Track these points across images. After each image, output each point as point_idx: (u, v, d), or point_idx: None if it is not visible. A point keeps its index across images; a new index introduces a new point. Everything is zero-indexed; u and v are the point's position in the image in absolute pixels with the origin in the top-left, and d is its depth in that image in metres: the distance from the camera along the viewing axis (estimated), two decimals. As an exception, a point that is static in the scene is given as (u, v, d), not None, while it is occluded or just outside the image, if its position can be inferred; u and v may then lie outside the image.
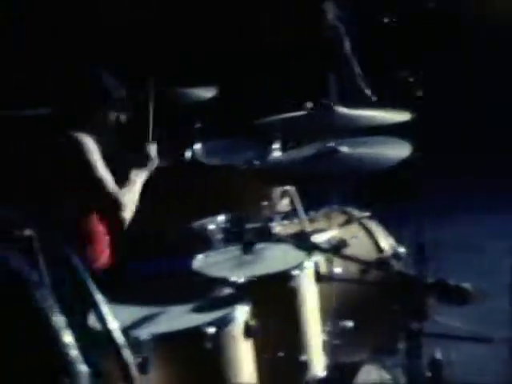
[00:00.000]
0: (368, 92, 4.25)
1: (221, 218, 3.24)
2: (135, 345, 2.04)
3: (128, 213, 2.91)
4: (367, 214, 3.35)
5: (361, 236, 3.22)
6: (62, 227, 2.28)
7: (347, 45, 4.21)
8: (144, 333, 2.13)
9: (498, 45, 5.40)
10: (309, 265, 2.69)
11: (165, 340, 2.13)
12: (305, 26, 4.02)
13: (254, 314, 2.36)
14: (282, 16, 4.05)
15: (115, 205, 2.86)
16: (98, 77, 2.91)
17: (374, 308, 3.09)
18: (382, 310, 3.10)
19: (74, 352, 1.65)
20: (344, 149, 2.69)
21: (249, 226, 3.21)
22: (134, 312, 2.28)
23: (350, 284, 3.07)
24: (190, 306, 2.30)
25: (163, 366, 2.12)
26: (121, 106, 2.99)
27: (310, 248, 2.57)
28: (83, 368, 1.73)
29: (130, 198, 2.92)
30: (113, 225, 2.99)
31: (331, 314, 2.88)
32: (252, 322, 2.30)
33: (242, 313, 2.28)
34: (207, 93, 3.61)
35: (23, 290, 1.70)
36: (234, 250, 2.84)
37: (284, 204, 3.55)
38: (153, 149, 3.12)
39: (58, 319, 1.68)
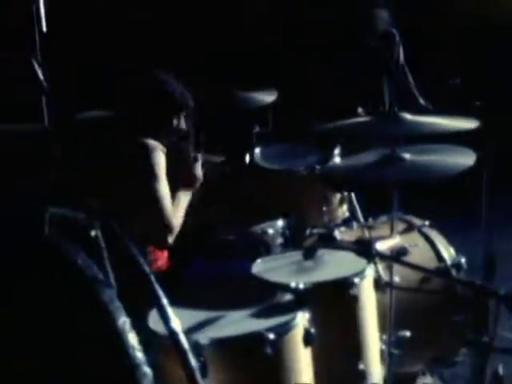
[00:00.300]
0: (422, 100, 4.19)
1: (280, 222, 3.24)
2: (194, 349, 2.04)
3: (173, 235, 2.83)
4: (428, 222, 3.30)
5: (421, 245, 3.17)
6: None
7: (401, 53, 4.16)
8: (203, 337, 2.13)
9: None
10: (369, 272, 2.66)
11: (224, 345, 2.12)
12: (359, 34, 3.98)
13: (314, 321, 2.34)
14: (337, 23, 4.02)
15: (166, 229, 2.77)
16: (172, 84, 2.91)
17: (434, 318, 3.04)
18: (442, 321, 3.05)
19: (140, 354, 1.66)
20: (408, 156, 2.66)
21: (310, 231, 3.21)
22: (193, 315, 2.28)
23: (409, 293, 3.03)
24: (249, 311, 2.29)
25: (222, 371, 2.12)
26: (188, 115, 2.99)
27: (371, 255, 2.53)
28: (148, 370, 1.73)
29: (177, 221, 2.84)
30: (156, 245, 2.96)
31: (389, 323, 2.85)
32: (312, 330, 2.29)
33: (302, 319, 2.26)
34: (268, 97, 3.61)
35: (89, 288, 1.71)
36: (294, 255, 2.83)
37: (343, 210, 3.52)
38: (198, 168, 3.06)
39: (124, 320, 1.68)
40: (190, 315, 2.27)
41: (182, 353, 1.74)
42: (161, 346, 2.13)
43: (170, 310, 1.78)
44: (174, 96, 2.88)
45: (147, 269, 1.75)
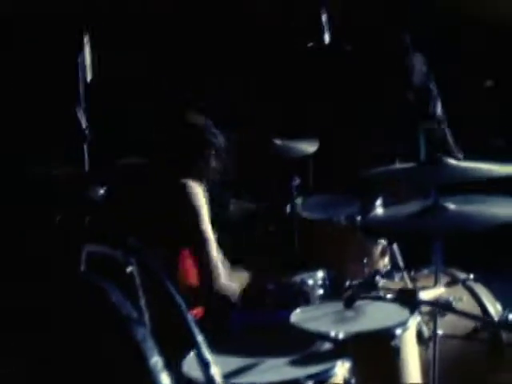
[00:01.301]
0: (460, 155, 4.12)
1: (320, 273, 3.17)
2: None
3: (224, 280, 2.84)
4: (472, 275, 3.20)
5: (466, 299, 3.06)
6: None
7: (438, 106, 4.10)
8: (240, 382, 2.06)
9: None
10: (412, 324, 2.57)
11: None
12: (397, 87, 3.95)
13: (354, 373, 2.25)
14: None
15: (212, 272, 2.79)
16: (206, 125, 2.94)
17: (480, 376, 2.91)
18: (489, 378, 2.92)
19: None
20: (451, 205, 2.59)
21: (350, 283, 3.13)
22: (230, 362, 2.21)
23: (453, 350, 2.92)
24: (288, 359, 2.22)
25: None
26: (221, 155, 3.00)
27: (414, 303, 2.45)
28: None
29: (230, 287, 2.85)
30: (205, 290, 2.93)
31: (434, 380, 2.73)
32: (352, 381, 2.20)
33: (342, 369, 2.18)
34: (310, 147, 3.58)
35: (123, 327, 1.67)
36: (334, 306, 2.75)
37: (384, 262, 3.44)
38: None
39: (156, 360, 1.63)
40: (226, 362, 2.20)
41: None
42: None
43: (208, 353, 1.72)
44: (210, 139, 2.90)
45: (184, 307, 1.70)
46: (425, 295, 2.50)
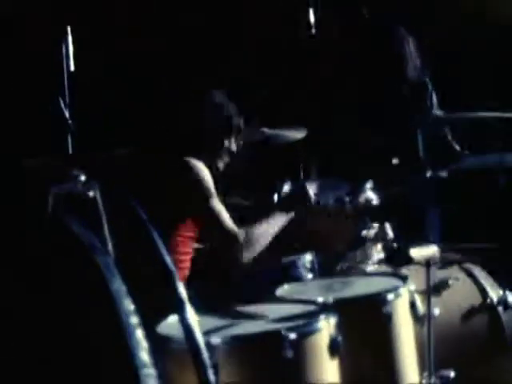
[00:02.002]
0: (457, 147, 4.01)
1: (308, 256, 3.04)
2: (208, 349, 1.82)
3: (249, 252, 2.73)
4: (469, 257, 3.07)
5: (462, 278, 2.92)
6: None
7: (434, 102, 4.01)
8: (215, 336, 1.91)
9: None
10: (404, 292, 2.42)
11: (237, 344, 1.89)
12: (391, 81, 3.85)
13: (341, 331, 2.10)
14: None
15: (228, 241, 2.69)
16: (223, 103, 2.86)
17: (480, 358, 2.76)
18: (489, 362, 2.76)
19: (135, 318, 1.45)
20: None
21: (341, 267, 3.01)
22: (209, 320, 2.07)
23: (452, 328, 2.77)
24: (271, 317, 2.07)
25: (234, 375, 1.87)
26: (239, 134, 2.92)
27: (406, 260, 2.31)
28: (152, 372, 1.52)
29: (255, 238, 2.74)
30: (224, 261, 2.84)
31: (430, 361, 2.58)
32: (339, 338, 2.04)
33: (327, 325, 2.03)
34: (298, 134, 3.48)
35: (86, 256, 1.54)
36: (323, 281, 2.63)
37: (377, 249, 3.30)
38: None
39: (119, 286, 1.50)
40: (206, 321, 2.05)
41: (195, 352, 1.52)
42: (170, 352, 1.92)
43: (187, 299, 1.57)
44: (230, 117, 2.84)
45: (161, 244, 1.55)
46: (416, 252, 2.37)
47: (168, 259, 1.47)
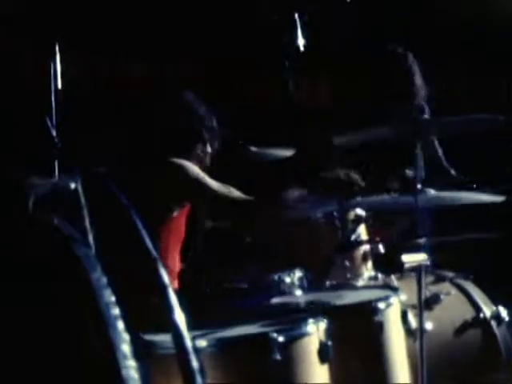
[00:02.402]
0: (453, 172, 3.99)
1: (298, 272, 2.98)
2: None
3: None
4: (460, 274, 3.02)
5: (454, 293, 2.87)
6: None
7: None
8: (201, 339, 1.84)
9: None
10: (396, 302, 2.37)
11: (224, 347, 1.83)
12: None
13: (334, 345, 2.05)
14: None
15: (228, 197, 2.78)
16: (193, 104, 2.88)
17: (472, 374, 2.70)
18: (481, 378, 2.70)
19: (117, 309, 1.39)
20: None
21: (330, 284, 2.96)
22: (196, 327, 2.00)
23: (444, 343, 2.71)
24: (260, 322, 2.01)
25: (221, 379, 1.81)
26: (212, 136, 2.93)
27: (396, 265, 2.27)
28: (134, 363, 1.46)
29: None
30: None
31: (423, 374, 2.52)
32: (329, 343, 1.98)
33: (317, 329, 1.97)
34: (286, 152, 3.46)
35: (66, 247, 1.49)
36: (312, 295, 2.57)
37: (367, 266, 3.25)
38: None
39: (99, 275, 1.44)
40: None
41: (182, 353, 1.45)
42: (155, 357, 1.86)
43: (175, 299, 1.51)
44: (200, 115, 2.88)
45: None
46: (408, 258, 2.33)
47: (150, 245, 1.43)
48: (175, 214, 2.90)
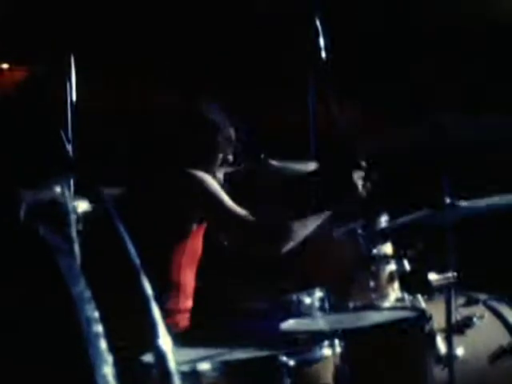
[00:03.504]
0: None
1: (319, 292, 2.81)
2: (192, 378, 1.60)
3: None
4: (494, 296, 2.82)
5: (488, 317, 2.67)
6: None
7: None
8: (205, 362, 1.68)
9: None
10: (422, 324, 2.19)
11: (229, 371, 1.66)
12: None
13: (352, 371, 1.87)
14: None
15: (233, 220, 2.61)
16: (210, 112, 2.77)
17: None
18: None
19: (99, 326, 1.24)
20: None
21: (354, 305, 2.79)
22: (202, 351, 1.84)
23: (478, 371, 2.51)
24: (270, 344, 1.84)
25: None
26: (228, 145, 2.81)
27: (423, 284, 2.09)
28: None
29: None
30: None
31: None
32: (346, 369, 1.81)
33: (331, 353, 1.79)
34: (307, 167, 3.31)
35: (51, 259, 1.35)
36: (332, 317, 2.40)
37: (394, 287, 3.06)
38: None
39: (82, 289, 1.30)
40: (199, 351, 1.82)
41: (164, 374, 1.29)
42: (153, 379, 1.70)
43: (161, 324, 1.37)
44: (216, 123, 2.75)
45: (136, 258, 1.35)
46: (435, 277, 2.14)
47: (134, 255, 1.28)
48: (192, 229, 2.78)
